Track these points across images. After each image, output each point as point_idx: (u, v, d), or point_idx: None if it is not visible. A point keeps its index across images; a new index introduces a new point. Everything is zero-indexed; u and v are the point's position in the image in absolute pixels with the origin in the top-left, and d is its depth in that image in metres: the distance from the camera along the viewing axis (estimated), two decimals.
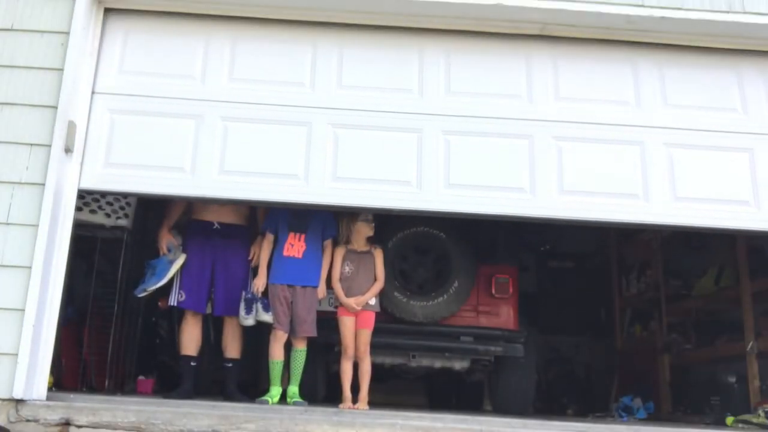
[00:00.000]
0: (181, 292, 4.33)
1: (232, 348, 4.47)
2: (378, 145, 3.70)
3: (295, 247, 4.24)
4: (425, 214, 3.79)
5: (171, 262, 4.26)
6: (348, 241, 4.26)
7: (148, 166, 3.62)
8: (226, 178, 3.63)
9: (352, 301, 4.13)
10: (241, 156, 3.67)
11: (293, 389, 4.16)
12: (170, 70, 3.75)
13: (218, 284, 4.37)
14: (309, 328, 4.19)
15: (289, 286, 4.20)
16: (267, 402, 4.01)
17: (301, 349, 4.23)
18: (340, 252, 4.25)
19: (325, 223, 4.33)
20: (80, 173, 3.54)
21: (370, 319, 4.17)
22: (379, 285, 4.23)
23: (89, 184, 3.58)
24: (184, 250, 4.35)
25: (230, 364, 4.48)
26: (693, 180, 3.74)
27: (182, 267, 4.31)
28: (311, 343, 4.29)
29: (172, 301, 4.36)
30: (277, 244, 4.29)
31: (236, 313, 4.34)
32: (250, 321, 4.28)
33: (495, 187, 3.67)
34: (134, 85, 3.70)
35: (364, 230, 4.24)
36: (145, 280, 4.33)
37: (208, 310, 4.47)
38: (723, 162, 3.78)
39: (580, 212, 3.68)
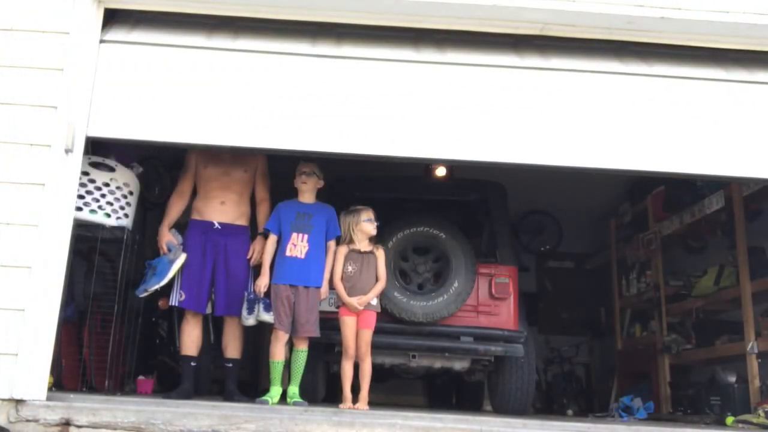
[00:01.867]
0: (182, 292, 4.33)
1: (232, 348, 4.46)
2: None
3: (297, 247, 4.22)
4: None
5: (171, 262, 4.26)
6: (350, 241, 4.26)
7: (156, 116, 3.62)
8: (232, 125, 3.64)
9: (354, 301, 4.13)
10: (248, 107, 3.67)
11: (293, 389, 4.16)
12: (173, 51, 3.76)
13: (219, 284, 4.36)
14: (311, 328, 4.19)
15: (292, 286, 4.19)
16: (267, 402, 4.01)
17: (302, 349, 4.23)
18: (342, 251, 4.24)
19: (329, 223, 4.32)
20: (87, 121, 3.53)
21: (371, 319, 4.17)
22: (381, 285, 4.22)
23: (97, 133, 3.58)
24: (184, 250, 4.35)
25: (230, 364, 4.47)
26: None
27: (182, 267, 4.31)
28: (312, 343, 4.29)
29: (173, 301, 4.36)
30: (280, 245, 4.28)
31: (236, 313, 4.33)
32: (251, 321, 4.28)
33: None
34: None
35: (367, 230, 4.24)
36: (146, 280, 4.33)
37: (209, 310, 4.47)
38: None
39: None
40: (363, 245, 4.25)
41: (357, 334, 4.13)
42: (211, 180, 4.47)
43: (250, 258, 4.41)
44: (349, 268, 4.21)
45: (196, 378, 4.56)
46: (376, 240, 4.37)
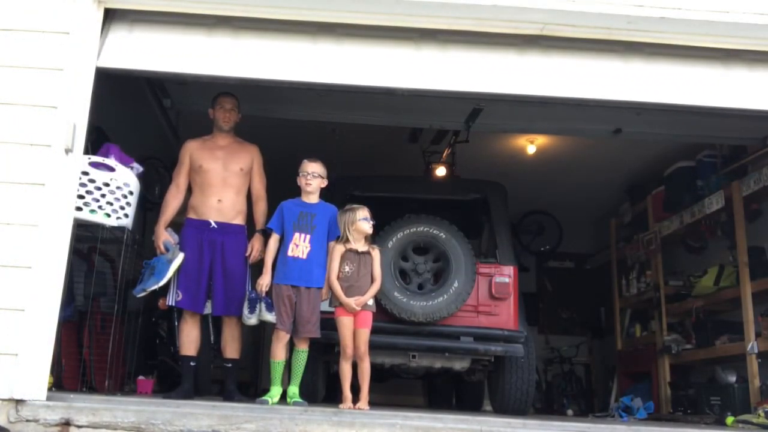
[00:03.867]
0: (179, 291, 4.31)
1: (231, 348, 4.45)
2: None
3: (299, 247, 4.20)
4: None
5: (170, 261, 4.24)
6: (347, 240, 4.25)
7: (168, 51, 3.74)
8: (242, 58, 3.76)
9: (352, 302, 4.13)
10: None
11: (293, 389, 4.16)
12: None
13: (216, 284, 4.34)
14: (312, 329, 4.18)
15: (293, 286, 4.18)
16: (267, 402, 4.01)
17: (303, 349, 4.23)
18: (338, 250, 4.23)
19: (332, 223, 4.30)
20: (99, 53, 3.59)
21: (368, 319, 4.17)
22: (377, 286, 4.22)
23: (109, 63, 3.62)
24: (181, 249, 4.33)
25: (229, 365, 4.45)
26: None
27: (180, 266, 4.28)
28: (311, 343, 4.29)
29: (170, 301, 4.34)
30: (282, 244, 4.26)
31: (235, 313, 4.33)
32: (253, 320, 4.25)
33: None
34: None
35: (363, 228, 4.22)
36: (144, 280, 4.31)
37: (207, 310, 4.46)
38: None
39: None
40: (360, 245, 4.24)
41: (355, 334, 4.13)
42: (207, 178, 4.42)
43: (249, 256, 4.39)
44: (347, 268, 4.20)
45: (196, 378, 4.55)
46: (375, 239, 4.36)
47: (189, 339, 4.39)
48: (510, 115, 5.87)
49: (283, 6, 3.76)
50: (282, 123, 5.94)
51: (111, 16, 3.77)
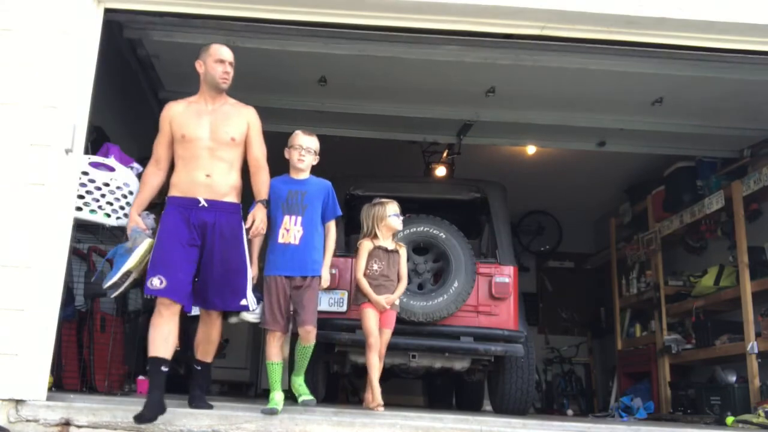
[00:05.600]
0: (160, 278, 3.29)
1: (203, 350, 3.69)
2: None
3: (290, 232, 3.67)
4: None
5: (130, 251, 3.42)
6: (374, 236, 4.13)
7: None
8: None
9: (382, 300, 4.04)
10: None
11: (299, 380, 3.86)
12: None
13: (211, 275, 3.45)
14: (309, 317, 3.63)
15: (288, 277, 3.66)
16: (276, 410, 3.33)
17: (308, 345, 3.73)
18: (366, 246, 4.12)
19: (327, 202, 3.77)
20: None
21: (393, 319, 4.10)
22: (404, 284, 4.16)
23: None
24: (162, 232, 3.42)
25: (199, 367, 3.72)
26: None
27: (160, 249, 3.36)
28: None
29: (147, 290, 3.35)
30: (271, 230, 3.69)
31: (235, 308, 3.55)
32: (234, 319, 3.70)
33: None
34: None
35: (394, 225, 4.12)
36: (107, 278, 3.56)
37: (196, 312, 3.77)
38: None
39: None
40: (388, 242, 4.15)
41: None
42: (192, 149, 3.50)
43: (249, 228, 3.54)
44: (375, 266, 4.08)
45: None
46: None
47: (161, 336, 3.31)
48: (499, 131, 6.02)
49: (284, 6, 3.77)
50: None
51: (112, 17, 3.78)
